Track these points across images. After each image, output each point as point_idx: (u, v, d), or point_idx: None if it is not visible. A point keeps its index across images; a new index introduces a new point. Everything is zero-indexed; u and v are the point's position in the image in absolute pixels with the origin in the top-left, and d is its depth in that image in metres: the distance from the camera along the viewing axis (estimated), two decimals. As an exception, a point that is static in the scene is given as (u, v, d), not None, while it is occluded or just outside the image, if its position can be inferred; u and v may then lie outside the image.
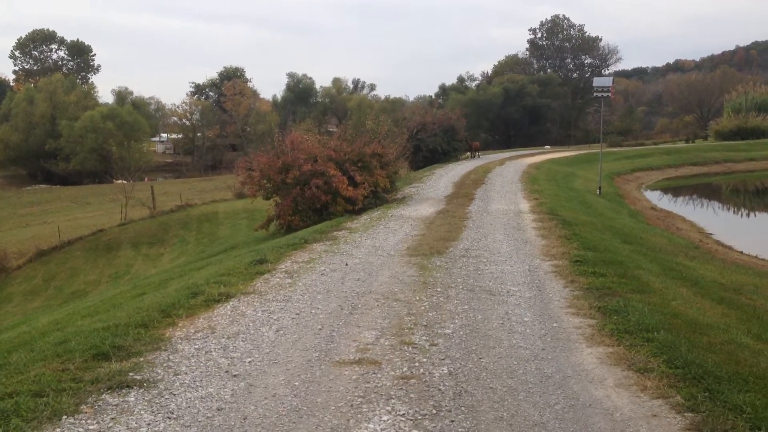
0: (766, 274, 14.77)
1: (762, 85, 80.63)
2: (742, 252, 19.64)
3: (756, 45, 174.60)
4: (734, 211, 34.58)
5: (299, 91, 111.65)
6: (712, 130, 72.39)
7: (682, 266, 12.78)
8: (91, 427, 5.20)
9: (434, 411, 5.48)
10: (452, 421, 5.31)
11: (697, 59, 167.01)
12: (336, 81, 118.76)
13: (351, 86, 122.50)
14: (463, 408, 5.55)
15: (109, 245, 34.91)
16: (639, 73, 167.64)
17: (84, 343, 7.04)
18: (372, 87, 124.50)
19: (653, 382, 5.92)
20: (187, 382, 6.13)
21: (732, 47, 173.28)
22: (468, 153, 44.86)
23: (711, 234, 23.63)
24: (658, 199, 35.73)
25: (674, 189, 42.20)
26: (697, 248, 17.51)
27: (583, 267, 10.67)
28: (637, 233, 17.28)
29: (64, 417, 5.32)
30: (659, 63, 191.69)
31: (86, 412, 5.42)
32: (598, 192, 29.77)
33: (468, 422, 5.31)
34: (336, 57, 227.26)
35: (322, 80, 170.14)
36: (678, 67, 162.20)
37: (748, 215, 32.84)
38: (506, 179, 28.70)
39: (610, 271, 10.36)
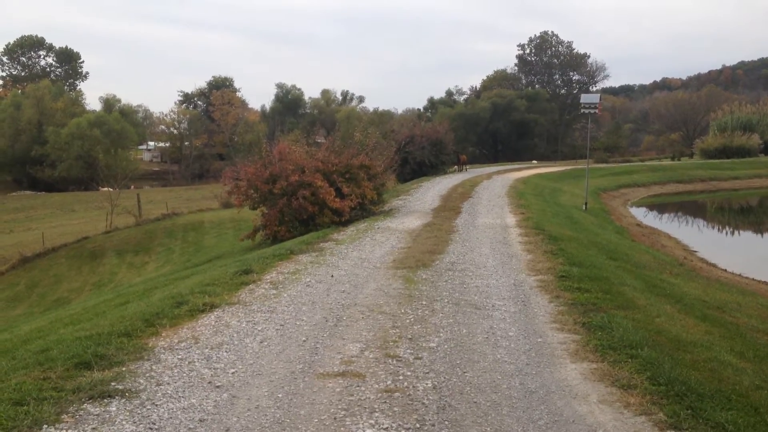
0: (750, 292, 14.88)
1: (747, 104, 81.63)
2: (725, 270, 19.76)
3: (742, 65, 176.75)
4: (719, 229, 34.81)
5: (288, 101, 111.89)
6: (697, 148, 73.00)
7: (666, 283, 12.84)
8: (71, 436, 5.16)
9: (418, 425, 5.47)
10: (435, 436, 5.30)
11: (684, 78, 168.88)
12: (325, 92, 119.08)
13: (340, 98, 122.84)
14: (446, 422, 5.53)
15: (94, 253, 34.68)
16: (626, 90, 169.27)
17: (66, 352, 6.99)
18: (361, 99, 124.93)
19: (636, 399, 5.93)
20: (169, 392, 6.09)
21: (719, 66, 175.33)
22: (455, 166, 45.04)
23: (695, 251, 23.77)
24: (643, 215, 35.94)
25: (660, 206, 42.46)
26: (681, 265, 17.61)
27: (568, 282, 10.69)
28: (623, 249, 17.35)
29: (45, 426, 5.27)
30: (646, 81, 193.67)
31: (67, 422, 5.37)
32: (584, 208, 29.89)
33: (451, 437, 5.30)
34: (325, 68, 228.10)
35: (311, 91, 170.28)
36: (665, 85, 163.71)
37: (732, 233, 33.06)
38: (493, 193, 28.79)
39: (595, 286, 10.38)
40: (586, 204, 30.49)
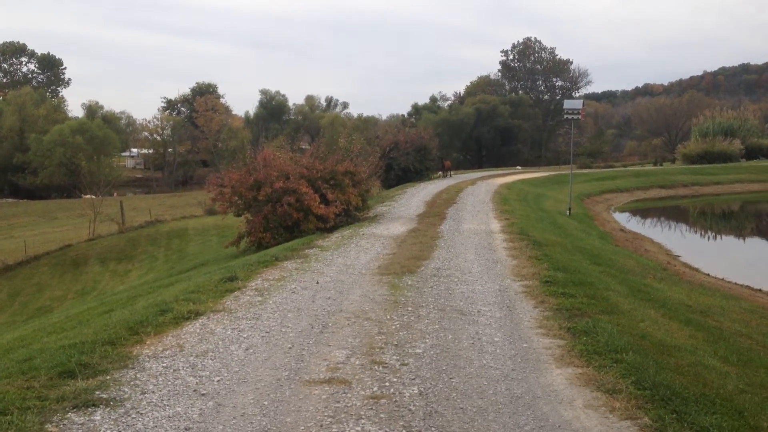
0: (733, 296, 14.97)
1: (729, 110, 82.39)
2: (708, 274, 19.89)
3: (723, 70, 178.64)
4: (701, 233, 35.06)
5: (272, 107, 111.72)
6: (679, 153, 73.54)
7: (650, 288, 12.91)
8: (55, 446, 5.12)
9: (404, 431, 5.46)
10: (422, 442, 5.30)
11: (666, 83, 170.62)
12: (309, 98, 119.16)
13: (324, 104, 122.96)
14: (433, 428, 5.53)
15: (77, 261, 34.42)
16: (609, 96, 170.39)
17: (49, 361, 6.93)
18: (345, 105, 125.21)
19: (621, 404, 5.96)
20: (154, 401, 6.05)
21: (700, 72, 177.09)
22: (440, 172, 45.12)
23: (678, 256, 23.92)
24: (626, 220, 36.16)
25: (642, 211, 42.71)
26: (664, 270, 17.70)
27: (553, 288, 10.73)
28: (607, 255, 17.43)
29: (28, 436, 5.23)
30: (628, 87, 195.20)
31: (51, 431, 5.33)
32: (568, 213, 30.04)
33: (438, 443, 5.29)
34: (310, 74, 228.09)
35: (295, 97, 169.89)
36: (647, 91, 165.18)
37: (714, 238, 33.31)
38: (478, 199, 28.85)
39: (580, 292, 10.43)
40: (569, 209, 30.64)
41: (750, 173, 57.16)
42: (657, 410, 5.78)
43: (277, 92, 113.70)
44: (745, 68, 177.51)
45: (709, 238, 33.50)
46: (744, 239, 33.39)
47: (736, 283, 18.51)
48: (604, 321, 8.63)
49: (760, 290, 17.64)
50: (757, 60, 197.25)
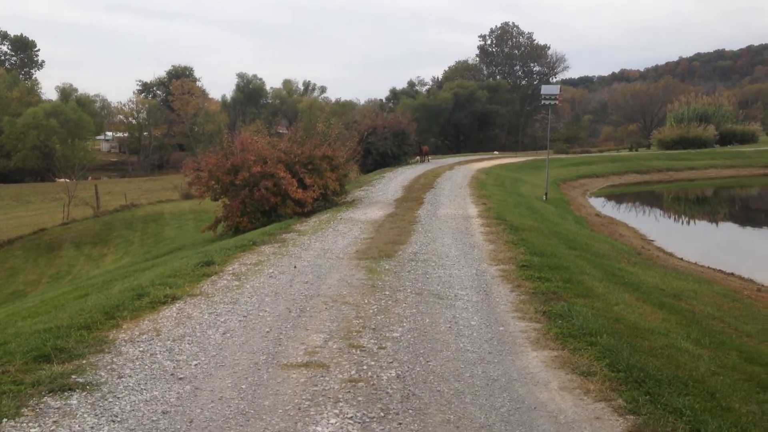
0: (705, 280, 15.17)
1: (703, 95, 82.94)
2: (682, 258, 20.10)
3: (698, 56, 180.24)
4: (675, 218, 35.38)
5: (249, 91, 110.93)
6: (655, 139, 73.98)
7: (624, 272, 13.05)
8: (32, 430, 5.10)
9: (382, 414, 5.50)
10: (400, 424, 5.34)
11: (642, 69, 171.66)
12: (287, 82, 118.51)
13: (302, 88, 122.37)
14: (410, 411, 5.58)
15: (51, 245, 34.04)
16: (585, 81, 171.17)
17: (24, 345, 6.88)
18: (323, 89, 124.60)
19: (596, 386, 6.04)
20: (131, 385, 6.04)
21: (675, 58, 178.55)
22: (418, 157, 45.10)
23: (653, 241, 24.13)
24: (602, 205, 36.38)
25: (618, 196, 43.03)
26: (639, 254, 17.88)
27: (529, 272, 10.81)
28: (582, 239, 17.57)
29: (5, 420, 5.20)
30: (605, 72, 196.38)
31: (27, 415, 5.31)
32: (544, 198, 30.20)
33: (415, 425, 5.34)
34: (287, 58, 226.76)
35: (272, 81, 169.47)
36: (623, 76, 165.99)
37: (688, 223, 33.64)
38: (455, 184, 28.91)
39: (556, 276, 10.52)
40: (546, 194, 30.80)
41: (724, 159, 57.70)
42: (631, 392, 5.87)
43: (254, 76, 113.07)
44: (720, 54, 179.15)
45: (683, 222, 33.82)
46: (717, 224, 33.73)
47: (708, 267, 18.73)
48: (579, 304, 8.73)
49: (732, 274, 17.87)
50: (731, 46, 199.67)
